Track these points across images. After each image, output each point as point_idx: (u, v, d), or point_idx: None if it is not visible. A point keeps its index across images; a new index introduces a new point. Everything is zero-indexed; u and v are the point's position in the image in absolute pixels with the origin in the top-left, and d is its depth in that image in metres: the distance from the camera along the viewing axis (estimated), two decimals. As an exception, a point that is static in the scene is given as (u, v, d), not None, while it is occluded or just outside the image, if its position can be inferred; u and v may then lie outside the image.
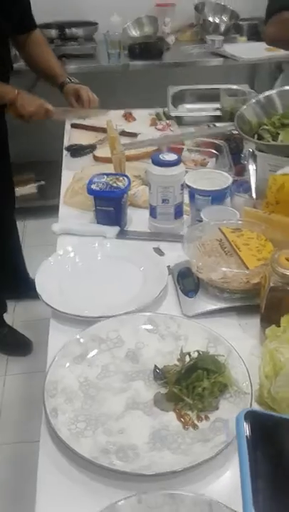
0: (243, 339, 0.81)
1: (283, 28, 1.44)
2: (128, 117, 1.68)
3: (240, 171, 1.28)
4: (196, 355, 0.73)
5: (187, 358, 0.73)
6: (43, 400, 0.68)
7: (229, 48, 2.56)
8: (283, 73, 1.76)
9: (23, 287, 2.00)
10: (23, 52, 1.71)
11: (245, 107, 1.20)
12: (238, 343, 0.78)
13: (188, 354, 0.73)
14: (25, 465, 1.49)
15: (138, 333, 0.80)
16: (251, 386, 0.70)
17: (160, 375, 0.72)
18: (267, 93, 1.21)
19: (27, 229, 2.56)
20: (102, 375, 0.73)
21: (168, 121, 1.62)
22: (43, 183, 2.68)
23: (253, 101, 1.21)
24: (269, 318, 0.78)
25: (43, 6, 1.72)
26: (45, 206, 2.52)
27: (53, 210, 2.27)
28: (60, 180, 1.35)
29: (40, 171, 2.67)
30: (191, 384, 0.69)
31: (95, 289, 0.91)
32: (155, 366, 0.73)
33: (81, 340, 0.77)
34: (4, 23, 1.47)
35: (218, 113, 1.60)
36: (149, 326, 0.81)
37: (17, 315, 2.03)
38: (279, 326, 0.73)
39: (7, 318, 1.92)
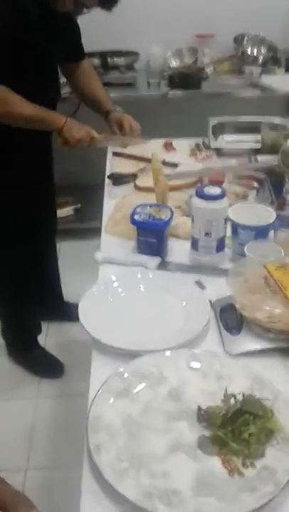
0: (288, 382, 0.79)
1: None
2: (168, 147, 1.70)
3: (281, 204, 1.27)
4: (241, 397, 0.71)
5: (232, 401, 0.71)
6: (86, 436, 0.67)
7: (266, 80, 2.58)
8: None
9: (57, 309, 2.02)
10: (71, 80, 1.78)
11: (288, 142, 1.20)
12: (283, 386, 0.76)
13: (234, 396, 0.72)
14: (56, 492, 1.47)
15: (180, 370, 0.79)
16: (299, 434, 0.67)
17: (204, 416, 0.71)
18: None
19: (61, 250, 2.59)
20: (144, 412, 0.72)
21: (208, 152, 1.63)
22: (79, 206, 2.73)
23: (298, 136, 1.21)
24: (317, 363, 0.76)
25: (86, 35, 1.78)
26: (81, 229, 2.56)
27: (88, 233, 2.32)
28: (98, 204, 1.38)
29: (77, 194, 2.72)
30: (236, 428, 0.67)
31: (137, 320, 0.91)
32: (199, 407, 0.72)
33: (125, 375, 0.76)
34: (57, 52, 1.52)
35: (258, 145, 1.59)
36: (192, 364, 0.80)
37: (50, 336, 2.04)
38: None
39: (40, 339, 1.94)
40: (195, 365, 0.80)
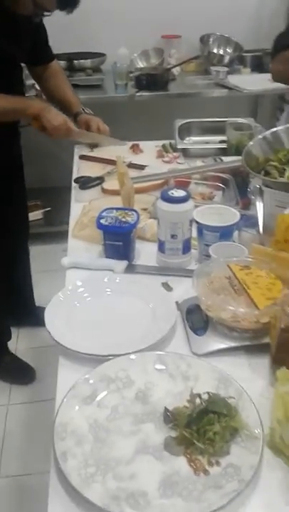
0: (253, 380, 0.81)
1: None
2: (135, 149, 1.71)
3: (246, 204, 1.29)
4: (206, 397, 0.73)
5: (198, 400, 0.73)
6: (52, 443, 0.67)
7: (233, 79, 2.62)
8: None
9: (28, 314, 2.00)
10: (40, 83, 1.77)
11: (252, 143, 1.22)
12: (248, 384, 0.77)
13: (199, 396, 0.73)
14: (28, 497, 1.46)
15: (147, 372, 0.80)
16: (263, 430, 0.69)
17: (170, 417, 0.72)
18: (273, 129, 1.23)
19: (32, 254, 2.57)
20: (111, 416, 0.73)
21: (175, 154, 1.64)
22: (48, 209, 2.71)
23: (260, 137, 1.23)
24: (280, 360, 0.78)
25: (52, 38, 1.77)
26: (50, 232, 2.54)
27: (58, 237, 2.30)
28: (68, 207, 1.38)
29: (46, 197, 2.70)
30: (202, 428, 0.69)
31: (104, 325, 0.91)
32: (165, 408, 0.73)
33: (90, 380, 0.76)
34: (18, 52, 1.51)
35: (224, 145, 1.62)
36: (158, 366, 0.81)
37: (21, 342, 2.03)
38: (290, 368, 0.73)
39: (11, 344, 1.92)
40: (161, 367, 0.81)
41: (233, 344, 0.86)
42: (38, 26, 1.60)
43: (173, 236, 1.07)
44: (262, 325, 0.84)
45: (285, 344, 0.77)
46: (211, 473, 0.65)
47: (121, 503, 0.61)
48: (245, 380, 0.78)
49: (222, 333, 0.87)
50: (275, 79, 1.55)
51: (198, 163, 1.56)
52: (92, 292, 0.99)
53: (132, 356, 0.81)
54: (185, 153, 1.65)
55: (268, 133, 1.23)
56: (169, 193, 1.06)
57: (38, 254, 2.54)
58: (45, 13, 1.46)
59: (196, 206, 1.14)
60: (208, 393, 0.73)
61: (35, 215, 2.65)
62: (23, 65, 1.65)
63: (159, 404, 0.74)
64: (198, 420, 0.69)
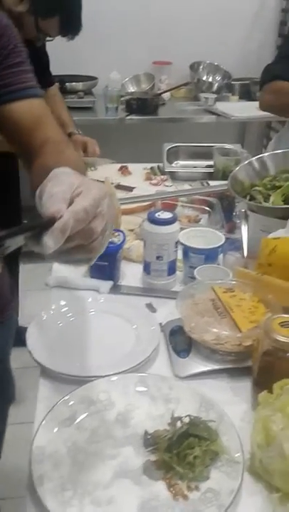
0: (235, 403, 0.80)
1: (276, 97, 1.53)
2: (124, 171, 1.73)
3: (231, 228, 1.31)
4: (187, 420, 0.72)
5: (178, 423, 0.72)
6: (29, 466, 0.66)
7: (221, 106, 2.68)
8: (277, 134, 1.84)
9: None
10: None
11: (238, 168, 1.24)
12: (229, 408, 0.77)
13: (180, 419, 0.72)
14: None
15: (129, 394, 0.79)
16: (243, 455, 0.69)
17: (150, 440, 0.71)
18: (259, 156, 1.26)
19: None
20: (91, 439, 0.71)
21: (162, 177, 1.67)
22: (37, 227, 2.70)
23: (246, 163, 1.26)
24: (261, 383, 0.78)
25: None
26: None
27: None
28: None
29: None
30: (182, 451, 0.68)
31: (87, 346, 0.90)
32: (145, 431, 0.72)
33: (70, 402, 0.75)
34: None
35: (211, 170, 1.65)
36: (140, 388, 0.80)
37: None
38: (271, 391, 0.73)
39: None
40: (143, 389, 0.80)
41: (215, 367, 0.86)
42: (40, 51, 1.65)
43: (158, 257, 1.07)
44: (244, 348, 0.85)
45: (266, 368, 0.77)
46: (190, 498, 0.64)
47: (97, 529, 0.60)
48: (227, 404, 0.78)
49: (205, 355, 0.87)
50: (263, 109, 1.60)
51: (186, 186, 1.59)
52: (75, 312, 0.98)
53: (114, 378, 0.81)
54: (173, 176, 1.67)
55: (254, 159, 1.26)
56: (156, 215, 1.07)
57: (25, 272, 2.53)
58: (48, 38, 1.50)
59: (182, 228, 1.15)
60: (189, 416, 0.73)
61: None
62: None
63: (140, 427, 0.73)
64: (179, 444, 0.68)
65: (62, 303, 1.00)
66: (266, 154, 1.27)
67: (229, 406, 0.78)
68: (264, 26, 2.97)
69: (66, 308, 0.99)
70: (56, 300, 1.04)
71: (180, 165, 1.79)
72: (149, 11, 2.82)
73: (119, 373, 0.82)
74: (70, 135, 1.74)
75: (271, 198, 1.19)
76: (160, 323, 0.97)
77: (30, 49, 1.51)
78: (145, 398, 0.79)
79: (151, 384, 0.81)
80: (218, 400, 0.78)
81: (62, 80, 2.61)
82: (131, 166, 1.77)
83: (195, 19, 2.84)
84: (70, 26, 1.48)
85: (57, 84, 1.94)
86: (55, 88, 1.84)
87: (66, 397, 0.76)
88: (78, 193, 0.53)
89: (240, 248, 1.16)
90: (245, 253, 1.12)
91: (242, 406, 0.80)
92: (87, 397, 0.77)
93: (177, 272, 1.13)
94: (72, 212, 0.50)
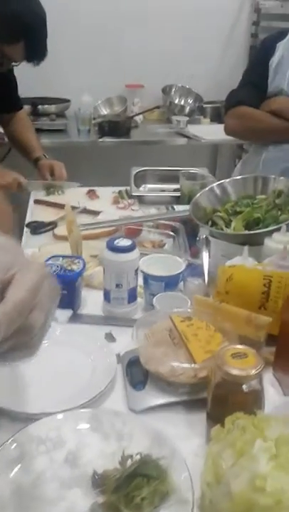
0: (189, 437, 0.79)
1: (241, 122, 1.55)
2: (91, 195, 1.73)
3: (195, 253, 1.31)
4: (138, 458, 0.70)
5: (129, 462, 0.70)
6: None
7: (193, 129, 2.72)
8: (242, 159, 1.86)
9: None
10: (6, 128, 1.82)
11: (199, 194, 1.25)
12: (184, 442, 0.75)
13: (131, 457, 0.70)
14: None
15: (80, 432, 0.76)
16: (193, 494, 0.67)
17: (98, 481, 0.69)
18: (220, 182, 1.27)
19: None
20: (37, 482, 0.69)
21: (130, 201, 1.67)
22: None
23: (207, 189, 1.27)
24: (215, 417, 0.76)
25: (18, 81, 1.82)
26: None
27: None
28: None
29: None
30: (130, 493, 0.66)
31: (39, 381, 0.87)
32: (94, 472, 0.70)
33: (17, 441, 0.73)
34: None
35: (178, 194, 1.66)
36: (92, 424, 0.78)
37: None
38: (224, 425, 0.71)
39: None
40: (95, 425, 0.78)
41: (171, 399, 0.84)
42: (8, 76, 1.65)
43: (118, 285, 1.06)
44: (199, 379, 0.83)
45: (219, 400, 0.76)
46: None
47: None
48: (181, 438, 0.77)
49: (161, 387, 0.86)
50: (228, 133, 1.62)
51: (153, 210, 1.59)
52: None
53: (66, 414, 0.78)
54: (140, 200, 1.68)
55: (215, 185, 1.27)
56: (115, 242, 1.06)
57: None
58: (13, 64, 1.51)
59: (145, 254, 1.15)
60: (140, 454, 0.71)
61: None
62: None
63: (90, 467, 0.71)
64: (127, 484, 0.66)
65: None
66: (227, 180, 1.28)
67: (183, 441, 0.76)
68: (235, 49, 3.04)
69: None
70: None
71: (148, 188, 1.80)
72: (122, 35, 2.87)
73: (72, 409, 0.80)
74: (37, 159, 1.74)
75: (232, 224, 1.20)
76: (118, 354, 0.95)
77: None
78: (97, 435, 0.77)
79: (104, 420, 0.78)
80: (172, 434, 0.76)
81: (35, 102, 2.63)
82: (99, 190, 1.77)
83: (166, 43, 2.89)
84: (35, 52, 1.49)
85: (25, 107, 1.96)
86: (23, 112, 1.85)
87: (14, 437, 0.73)
88: (10, 279, 0.46)
89: (202, 274, 1.16)
90: (206, 280, 1.12)
91: (196, 440, 0.78)
92: (37, 435, 0.75)
93: (139, 299, 1.12)
94: (4, 314, 0.43)
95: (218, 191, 1.27)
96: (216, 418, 0.76)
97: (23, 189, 1.58)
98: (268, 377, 0.92)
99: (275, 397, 0.88)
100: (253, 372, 0.72)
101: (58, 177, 1.70)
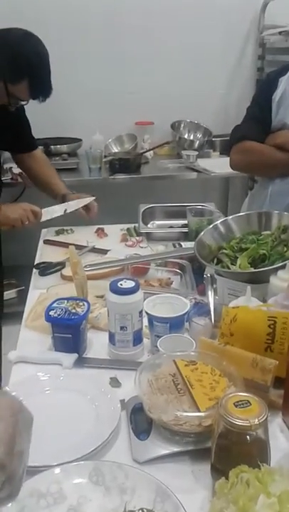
0: (194, 490, 0.76)
1: (245, 156, 1.56)
2: (100, 233, 1.74)
3: (202, 290, 1.29)
4: (140, 514, 0.68)
5: (130, 519, 0.67)
6: None
7: (202, 163, 2.74)
8: (250, 192, 1.86)
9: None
10: (22, 166, 1.87)
11: (203, 233, 1.25)
12: (188, 496, 0.73)
13: (132, 514, 0.68)
14: None
15: (82, 486, 0.74)
16: None
17: None
18: (223, 219, 1.27)
19: (3, 334, 2.51)
20: None
21: (138, 238, 1.67)
22: (23, 287, 2.69)
23: (211, 226, 1.26)
24: (219, 468, 0.74)
25: (30, 123, 1.87)
26: (23, 312, 2.50)
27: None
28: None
29: (20, 276, 2.70)
30: None
31: (39, 431, 0.85)
32: (93, 530, 0.67)
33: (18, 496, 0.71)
34: (2, 145, 1.60)
35: (186, 230, 1.66)
36: (94, 478, 0.75)
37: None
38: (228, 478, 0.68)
39: None
40: (97, 478, 0.75)
41: (175, 449, 0.82)
42: (20, 117, 1.71)
43: (122, 328, 1.05)
44: (204, 428, 0.80)
45: (223, 451, 0.73)
46: None
47: None
48: (186, 491, 0.74)
49: (165, 436, 0.83)
50: (233, 168, 1.63)
51: (160, 247, 1.59)
52: (31, 392, 0.93)
53: (67, 467, 0.76)
54: (148, 237, 1.68)
55: (218, 222, 1.26)
56: (118, 284, 1.06)
57: (10, 334, 2.49)
58: (20, 102, 1.56)
59: (150, 294, 1.14)
60: (142, 510, 0.68)
61: (9, 294, 2.64)
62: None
63: (90, 524, 0.69)
64: None
65: (19, 380, 0.96)
66: (230, 217, 1.27)
67: (188, 494, 0.73)
68: (242, 83, 3.09)
69: (22, 388, 0.94)
70: (19, 375, 1.01)
71: (156, 225, 1.80)
72: (131, 74, 2.95)
73: (73, 461, 0.78)
74: (64, 196, 1.74)
75: (238, 261, 1.19)
76: (123, 400, 0.93)
77: (7, 115, 1.57)
78: (99, 489, 0.74)
79: (107, 472, 0.76)
80: (177, 486, 0.73)
81: (47, 143, 2.69)
82: (108, 228, 1.78)
83: (174, 80, 2.96)
84: (39, 90, 1.52)
85: (41, 147, 2.00)
86: (39, 151, 1.88)
87: (11, 493, 0.71)
88: None
89: (209, 312, 1.14)
90: (213, 320, 1.10)
91: (202, 493, 0.75)
92: (37, 490, 0.73)
93: (145, 340, 1.11)
94: None
95: (222, 228, 1.26)
96: (220, 470, 0.73)
97: (39, 217, 1.57)
98: (278, 422, 0.89)
99: (284, 444, 0.84)
100: (256, 421, 0.70)
101: (92, 212, 1.71)
